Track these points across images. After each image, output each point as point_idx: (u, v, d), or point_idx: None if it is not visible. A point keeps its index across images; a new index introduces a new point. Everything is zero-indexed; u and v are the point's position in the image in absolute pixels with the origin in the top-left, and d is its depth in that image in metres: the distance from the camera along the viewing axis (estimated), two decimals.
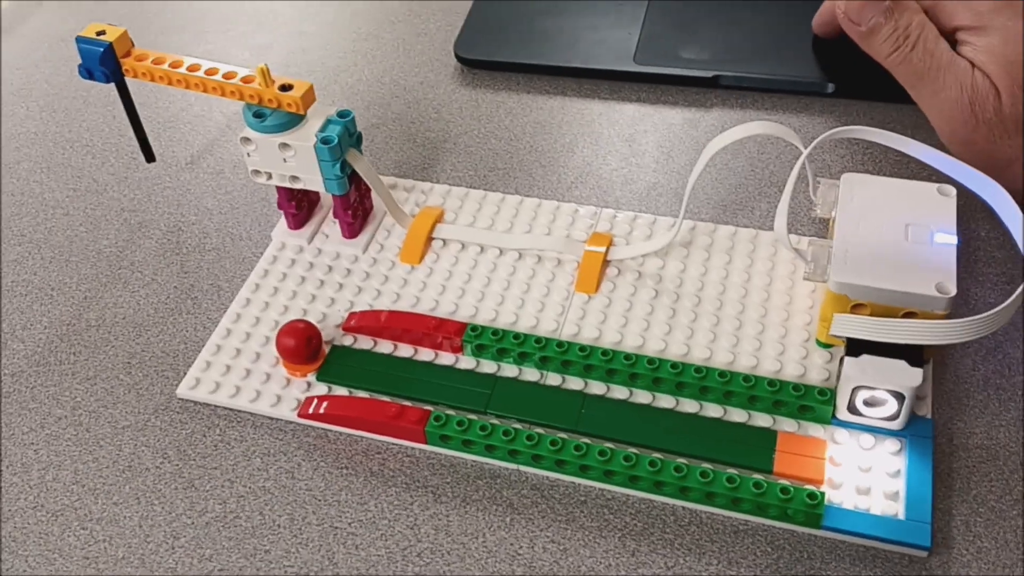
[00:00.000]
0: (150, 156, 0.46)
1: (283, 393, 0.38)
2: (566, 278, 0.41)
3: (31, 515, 0.36)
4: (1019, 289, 0.32)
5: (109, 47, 0.41)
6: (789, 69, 0.48)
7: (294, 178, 0.41)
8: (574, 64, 0.50)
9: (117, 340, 0.41)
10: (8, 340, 0.42)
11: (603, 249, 0.41)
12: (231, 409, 0.38)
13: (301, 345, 0.38)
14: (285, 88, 0.39)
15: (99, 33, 0.41)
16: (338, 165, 0.40)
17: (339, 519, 0.35)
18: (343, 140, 0.40)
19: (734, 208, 0.43)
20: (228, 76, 0.40)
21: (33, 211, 0.47)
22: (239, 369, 0.39)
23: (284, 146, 0.40)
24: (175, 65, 0.41)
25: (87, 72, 0.41)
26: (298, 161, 0.40)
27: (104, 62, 0.41)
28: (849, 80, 0.47)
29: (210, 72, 0.40)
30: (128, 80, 0.42)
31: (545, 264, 0.42)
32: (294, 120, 0.40)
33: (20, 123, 0.52)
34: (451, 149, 0.48)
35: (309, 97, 0.39)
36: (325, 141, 0.39)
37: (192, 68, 0.40)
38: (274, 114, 0.40)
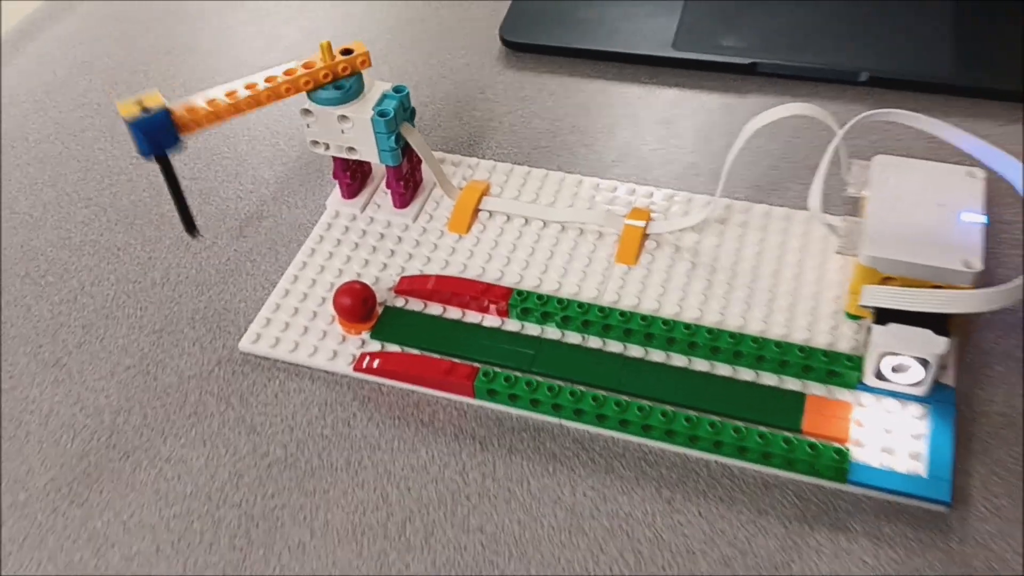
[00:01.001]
0: (192, 230, 0.42)
1: (339, 349, 0.41)
2: (607, 250, 0.43)
3: (104, 455, 0.38)
4: None
5: (165, 112, 0.38)
6: (824, 58, 0.50)
7: (351, 149, 0.44)
8: (615, 49, 0.52)
9: (181, 298, 0.44)
10: (78, 295, 0.44)
11: (642, 223, 0.43)
12: (290, 363, 0.41)
13: (357, 304, 0.40)
14: (347, 52, 0.41)
15: (141, 106, 0.38)
16: (393, 137, 0.42)
17: (392, 464, 0.37)
18: (398, 113, 0.42)
19: (768, 189, 0.45)
20: (290, 73, 0.41)
21: (98, 176, 0.50)
22: (297, 326, 0.41)
23: (343, 118, 0.42)
24: (231, 95, 0.39)
25: (152, 147, 0.38)
26: (355, 132, 0.43)
27: (166, 128, 0.38)
28: (882, 69, 0.49)
29: (269, 80, 0.40)
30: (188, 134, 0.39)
31: (587, 236, 0.44)
32: (352, 94, 0.42)
33: (83, 95, 0.55)
34: (496, 127, 0.50)
35: (367, 57, 0.41)
36: (382, 114, 0.42)
37: (250, 87, 0.40)
38: (333, 88, 0.42)
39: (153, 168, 0.50)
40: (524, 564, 0.34)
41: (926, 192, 0.38)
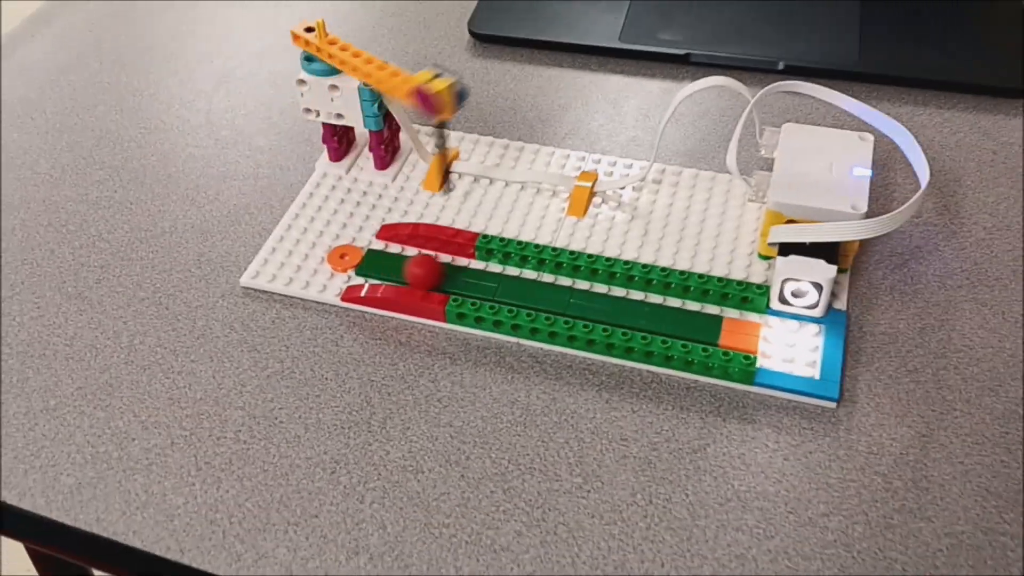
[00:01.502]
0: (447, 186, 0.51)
1: (328, 284, 0.47)
2: (559, 205, 0.50)
3: (123, 369, 0.44)
4: (912, 199, 0.41)
5: None
6: (748, 49, 0.57)
7: (339, 115, 0.50)
8: (570, 41, 0.59)
9: (187, 243, 0.50)
10: (96, 241, 0.50)
11: (590, 183, 0.50)
12: (285, 295, 0.47)
13: (431, 273, 0.45)
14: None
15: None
16: (376, 105, 0.49)
17: (374, 375, 0.43)
18: None
19: (698, 156, 0.53)
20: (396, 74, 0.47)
21: (110, 144, 0.56)
22: (291, 265, 0.48)
23: (333, 87, 0.49)
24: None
25: None
26: (343, 100, 0.49)
27: None
28: (797, 58, 0.56)
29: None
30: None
31: (543, 195, 0.51)
32: None
33: (94, 75, 0.61)
34: (465, 106, 0.57)
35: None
36: (368, 84, 0.49)
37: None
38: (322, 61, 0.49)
39: (160, 137, 0.56)
40: (486, 450, 0.40)
41: (824, 152, 0.46)
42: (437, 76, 0.45)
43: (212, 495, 0.40)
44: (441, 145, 0.50)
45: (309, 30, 0.48)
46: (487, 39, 0.61)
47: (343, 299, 0.46)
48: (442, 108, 0.45)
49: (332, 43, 0.48)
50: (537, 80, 0.58)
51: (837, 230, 0.42)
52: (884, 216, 0.41)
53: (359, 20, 0.64)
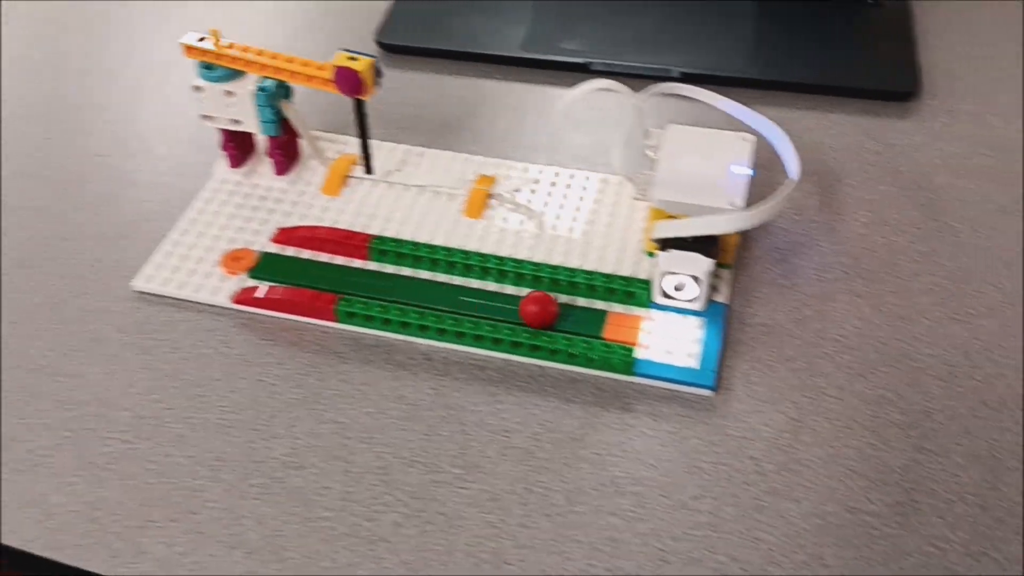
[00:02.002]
0: (369, 169, 0.52)
1: (221, 287, 0.47)
2: (456, 207, 0.51)
3: (12, 372, 0.44)
4: (779, 194, 0.43)
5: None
6: (645, 58, 0.59)
7: (236, 121, 0.51)
8: (474, 50, 0.61)
9: (84, 250, 0.50)
10: None
11: (487, 186, 0.51)
12: (178, 299, 0.47)
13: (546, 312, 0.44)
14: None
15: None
16: (272, 110, 0.50)
17: (264, 375, 0.44)
18: (277, 90, 0.50)
19: (593, 160, 0.54)
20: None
21: (11, 151, 0.56)
22: (185, 269, 0.48)
23: (228, 93, 0.50)
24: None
25: None
26: (240, 106, 0.50)
27: None
28: (692, 66, 0.58)
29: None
30: None
31: (440, 197, 0.52)
32: (238, 72, 0.50)
33: None
34: (369, 113, 0.57)
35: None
36: (263, 89, 0.49)
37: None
38: (220, 67, 0.49)
39: (63, 143, 0.56)
40: (370, 445, 0.41)
41: (706, 151, 0.47)
42: (353, 58, 0.46)
43: (94, 494, 0.40)
44: (364, 131, 0.50)
45: (201, 40, 0.49)
46: (394, 49, 0.62)
47: (235, 301, 0.46)
48: (365, 87, 0.46)
49: (229, 47, 0.49)
50: (441, 88, 0.59)
51: (712, 224, 0.43)
52: (754, 209, 0.42)
53: (263, 32, 0.64)
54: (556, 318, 0.44)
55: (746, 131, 0.48)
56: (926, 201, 0.50)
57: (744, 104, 0.50)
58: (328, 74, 0.47)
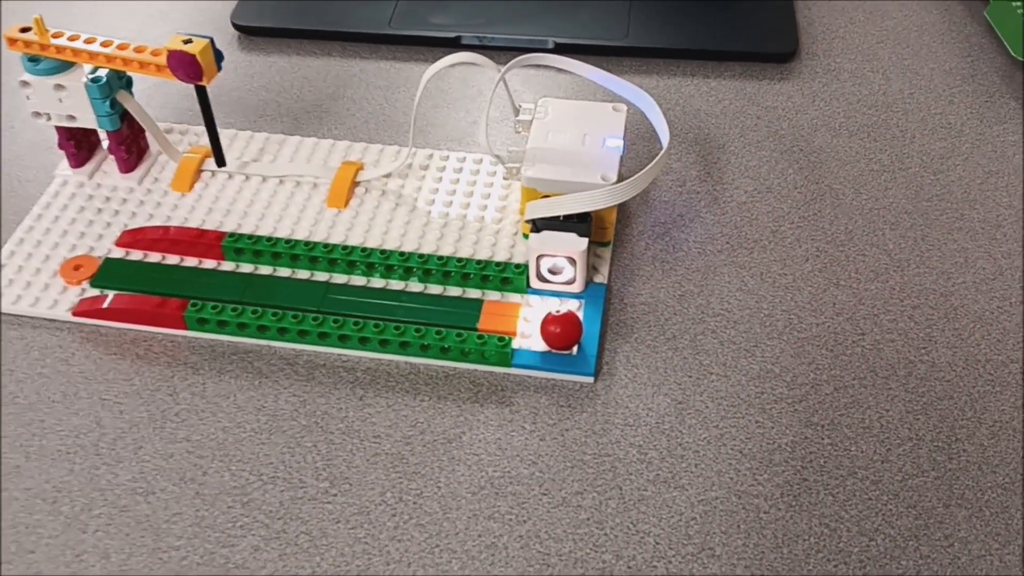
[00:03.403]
0: (221, 162, 0.47)
1: (60, 298, 0.43)
2: (320, 197, 0.48)
3: None
4: (651, 163, 0.40)
5: None
6: (518, 29, 0.56)
7: (70, 117, 0.46)
8: (338, 29, 0.57)
9: None
10: None
11: (351, 172, 0.48)
12: (12, 314, 0.43)
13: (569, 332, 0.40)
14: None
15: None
16: (108, 103, 0.45)
17: (107, 392, 0.40)
18: (112, 80, 0.45)
19: (468, 141, 0.51)
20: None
21: None
22: (20, 282, 0.44)
23: (59, 87, 0.45)
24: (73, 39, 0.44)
25: None
26: (72, 100, 0.46)
27: None
28: (566, 36, 0.56)
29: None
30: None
31: (303, 187, 0.48)
32: (67, 64, 0.45)
33: None
34: (224, 101, 0.53)
35: None
36: (95, 80, 0.45)
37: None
38: (47, 59, 0.45)
39: None
40: (225, 463, 0.37)
41: (578, 124, 0.45)
42: (188, 41, 0.42)
43: None
44: (210, 119, 0.45)
45: (25, 30, 0.44)
46: (252, 31, 0.58)
47: (75, 314, 0.42)
48: (203, 72, 0.42)
49: (57, 36, 0.45)
50: (304, 71, 0.56)
51: (580, 201, 0.41)
52: (624, 182, 0.40)
53: (120, 26, 0.60)
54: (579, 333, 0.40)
55: (620, 101, 0.46)
56: (807, 164, 0.49)
57: (620, 73, 0.48)
58: (163, 60, 0.43)
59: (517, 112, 0.47)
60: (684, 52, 0.55)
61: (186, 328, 0.42)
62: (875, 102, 0.52)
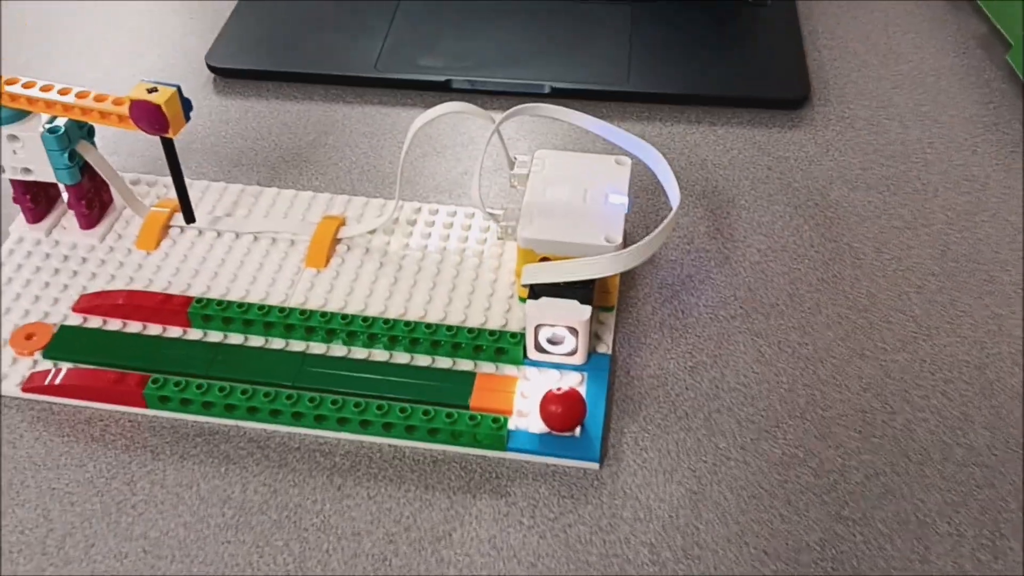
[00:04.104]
0: (190, 218, 0.43)
1: (10, 371, 0.39)
2: (298, 256, 0.44)
3: None
4: (659, 227, 0.37)
5: None
6: (512, 73, 0.53)
7: (26, 170, 0.42)
8: (320, 71, 0.53)
9: None
10: None
11: (332, 228, 0.44)
12: None
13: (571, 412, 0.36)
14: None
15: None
16: (66, 154, 0.42)
17: (57, 481, 0.36)
18: (71, 130, 0.42)
19: (458, 193, 0.47)
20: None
21: None
22: None
23: (12, 138, 0.41)
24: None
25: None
26: (27, 152, 0.42)
27: None
28: (563, 81, 0.52)
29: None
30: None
31: (279, 245, 0.44)
32: (22, 113, 0.41)
33: None
34: (196, 149, 0.50)
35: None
36: (52, 131, 0.41)
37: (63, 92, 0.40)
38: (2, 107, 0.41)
39: None
40: (186, 565, 0.33)
41: (578, 178, 0.41)
42: (153, 90, 0.38)
43: None
44: (177, 173, 0.42)
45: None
46: (227, 73, 0.54)
47: (24, 389, 0.38)
48: (169, 123, 0.38)
49: (11, 83, 0.41)
50: (284, 116, 0.52)
51: (583, 267, 0.37)
52: (632, 247, 0.36)
53: (92, 68, 0.56)
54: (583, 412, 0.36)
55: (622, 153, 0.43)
56: (823, 220, 0.45)
57: (622, 120, 0.45)
58: (125, 110, 0.39)
59: (512, 165, 0.43)
60: (689, 97, 0.52)
61: (146, 406, 0.38)
62: (893, 152, 0.49)
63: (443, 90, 0.53)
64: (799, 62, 0.54)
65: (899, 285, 0.42)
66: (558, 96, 0.52)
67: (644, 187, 0.47)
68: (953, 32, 0.57)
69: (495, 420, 0.36)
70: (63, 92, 0.40)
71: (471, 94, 0.53)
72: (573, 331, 0.38)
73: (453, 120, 0.51)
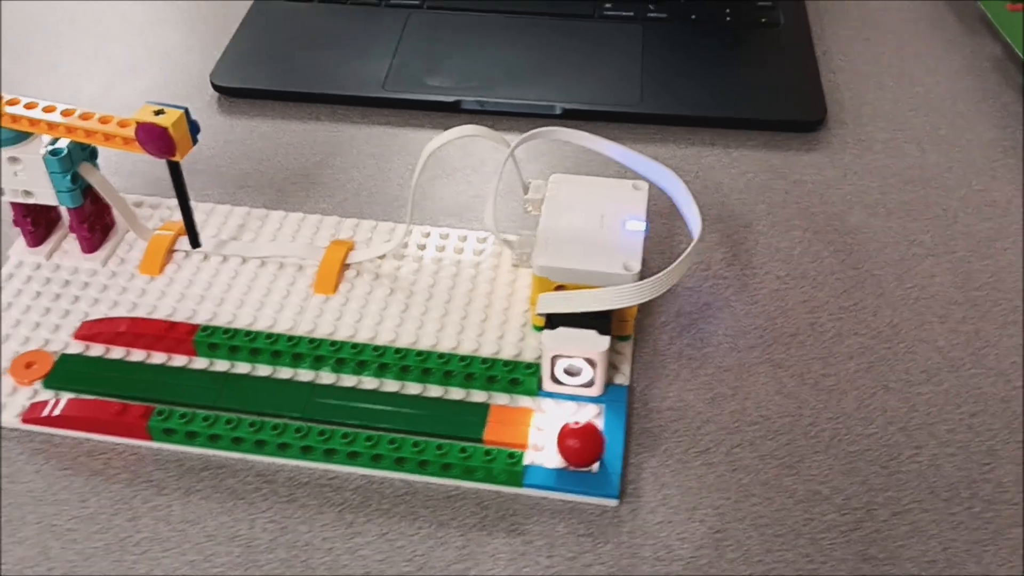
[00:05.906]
0: (196, 243, 0.42)
1: (9, 401, 0.38)
2: (306, 281, 0.43)
3: None
4: (680, 257, 0.36)
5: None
6: (522, 93, 0.52)
7: (27, 192, 0.41)
8: (327, 91, 0.53)
9: None
10: None
11: (341, 254, 0.43)
12: None
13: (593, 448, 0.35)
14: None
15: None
16: (69, 177, 0.41)
17: (58, 517, 0.34)
18: (74, 152, 0.41)
19: (469, 216, 0.46)
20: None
21: None
22: None
23: (13, 160, 0.40)
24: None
25: None
26: (28, 174, 0.41)
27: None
28: (575, 102, 0.51)
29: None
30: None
31: (287, 270, 0.43)
32: (23, 134, 0.40)
33: None
34: (201, 170, 0.49)
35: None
36: (54, 152, 0.40)
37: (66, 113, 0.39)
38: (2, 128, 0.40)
39: None
40: None
41: (594, 204, 0.40)
42: (160, 112, 0.37)
43: None
44: (183, 196, 0.40)
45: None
46: (233, 92, 0.53)
47: (24, 420, 0.37)
48: (176, 146, 0.37)
49: (12, 103, 0.40)
50: (289, 136, 0.51)
51: (602, 298, 0.36)
52: (653, 278, 0.35)
53: (89, 81, 0.55)
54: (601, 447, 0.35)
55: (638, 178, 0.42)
56: (843, 246, 0.45)
57: (634, 142, 0.44)
58: (130, 132, 0.38)
59: (526, 190, 0.42)
60: (703, 119, 0.51)
61: (151, 439, 0.36)
62: (912, 176, 0.48)
63: (452, 111, 0.52)
64: (814, 84, 0.53)
65: (922, 314, 0.41)
66: (569, 117, 0.51)
67: (660, 211, 0.46)
68: (967, 55, 0.56)
69: (511, 455, 0.35)
70: (66, 113, 0.39)
71: (481, 115, 0.52)
72: (591, 362, 0.37)
73: (463, 142, 0.50)
